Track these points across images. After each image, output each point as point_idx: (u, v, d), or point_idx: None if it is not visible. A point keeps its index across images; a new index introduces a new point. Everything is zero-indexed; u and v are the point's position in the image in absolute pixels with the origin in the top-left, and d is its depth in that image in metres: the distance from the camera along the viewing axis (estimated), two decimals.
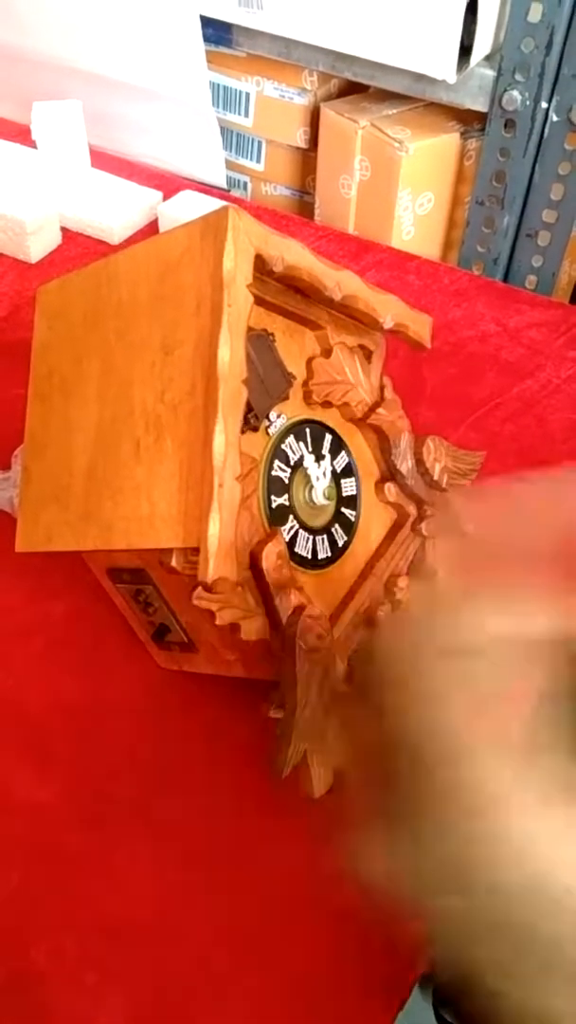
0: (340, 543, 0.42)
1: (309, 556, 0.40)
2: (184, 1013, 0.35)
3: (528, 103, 0.66)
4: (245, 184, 0.88)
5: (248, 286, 0.34)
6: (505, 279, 0.77)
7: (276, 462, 0.39)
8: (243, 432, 0.34)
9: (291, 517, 0.39)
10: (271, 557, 0.36)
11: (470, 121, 0.73)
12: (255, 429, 0.38)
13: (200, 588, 0.34)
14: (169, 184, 0.80)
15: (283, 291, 0.39)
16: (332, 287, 0.38)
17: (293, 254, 0.36)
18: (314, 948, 0.36)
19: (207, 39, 0.74)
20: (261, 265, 0.35)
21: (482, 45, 0.66)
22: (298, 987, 0.36)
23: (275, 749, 0.36)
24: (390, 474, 0.45)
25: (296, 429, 0.40)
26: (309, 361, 0.41)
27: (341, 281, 0.39)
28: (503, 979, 0.24)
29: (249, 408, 0.37)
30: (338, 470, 0.42)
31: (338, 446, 0.42)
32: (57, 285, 0.42)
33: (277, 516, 0.39)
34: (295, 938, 0.37)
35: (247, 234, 0.34)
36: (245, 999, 0.35)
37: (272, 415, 0.39)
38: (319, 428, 0.42)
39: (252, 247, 0.35)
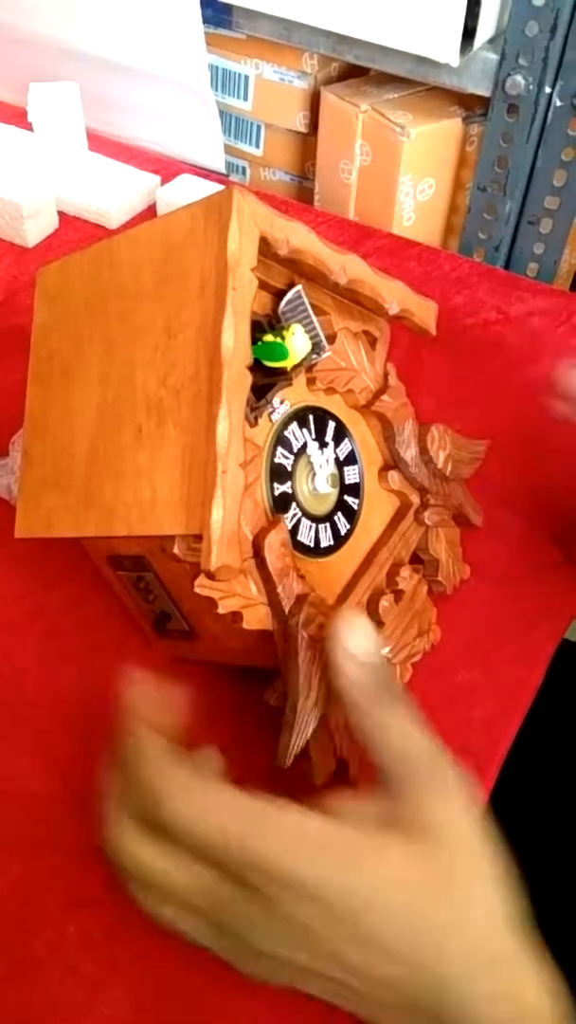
0: (343, 531, 0.41)
1: (311, 544, 0.40)
2: (186, 1003, 0.35)
3: (532, 88, 0.66)
4: (243, 169, 0.87)
5: (252, 269, 0.34)
6: (506, 266, 0.76)
7: (279, 449, 0.39)
8: (245, 418, 0.34)
9: (294, 505, 0.39)
10: (274, 545, 0.36)
11: (472, 106, 0.73)
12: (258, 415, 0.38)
13: (202, 576, 0.33)
14: (167, 168, 0.79)
15: (286, 275, 0.39)
16: (337, 271, 0.38)
17: (298, 237, 0.36)
18: None
19: (206, 20, 0.73)
20: (265, 248, 0.35)
21: (486, 28, 0.65)
22: None
23: (278, 738, 0.36)
24: (393, 462, 0.44)
25: (299, 416, 0.40)
26: None
27: (347, 265, 0.38)
28: None
29: (252, 394, 0.36)
30: (341, 457, 0.42)
31: (341, 433, 0.42)
32: (58, 267, 0.42)
33: (279, 504, 0.38)
34: None
35: (252, 216, 0.34)
36: (247, 988, 0.35)
37: (275, 401, 0.39)
38: (322, 415, 0.41)
39: (257, 229, 0.34)
